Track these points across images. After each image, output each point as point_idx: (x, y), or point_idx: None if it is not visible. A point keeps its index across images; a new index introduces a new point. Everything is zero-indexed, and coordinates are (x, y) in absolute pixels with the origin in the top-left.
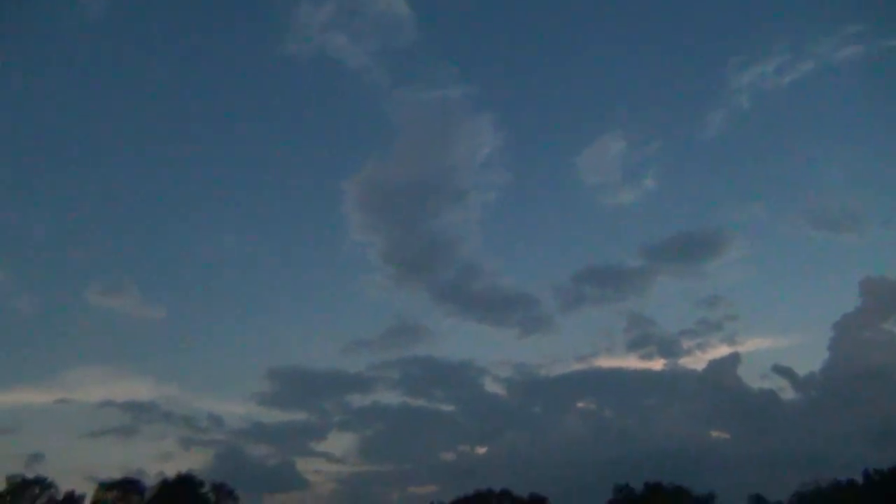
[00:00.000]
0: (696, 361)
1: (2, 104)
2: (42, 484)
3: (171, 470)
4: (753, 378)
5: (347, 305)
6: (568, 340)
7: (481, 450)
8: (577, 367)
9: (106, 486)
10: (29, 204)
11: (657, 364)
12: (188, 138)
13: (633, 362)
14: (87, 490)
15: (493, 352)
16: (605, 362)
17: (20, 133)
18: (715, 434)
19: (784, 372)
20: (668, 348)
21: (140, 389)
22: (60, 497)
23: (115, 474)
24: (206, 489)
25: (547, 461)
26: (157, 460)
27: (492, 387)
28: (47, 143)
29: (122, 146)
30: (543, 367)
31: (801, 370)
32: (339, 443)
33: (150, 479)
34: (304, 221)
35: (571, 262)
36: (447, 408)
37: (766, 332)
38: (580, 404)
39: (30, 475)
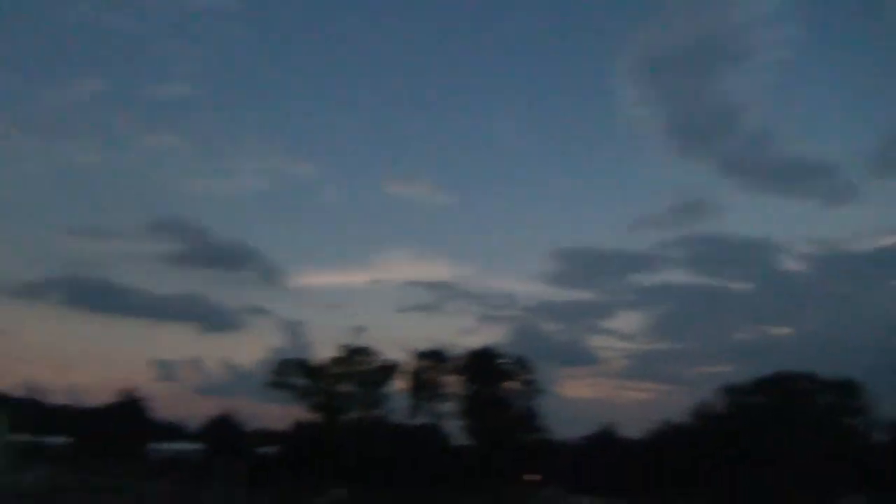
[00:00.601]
0: None
1: (283, 12)
2: (366, 352)
3: (471, 343)
4: None
5: (628, 183)
6: (879, 212)
7: (778, 330)
8: (892, 241)
9: (421, 355)
10: (332, 102)
11: None
12: (463, 26)
13: None
14: (399, 359)
15: (791, 226)
16: None
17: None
18: None
19: None
20: None
21: (439, 270)
22: (379, 364)
23: (424, 346)
24: (505, 360)
25: (857, 345)
26: (458, 334)
27: (790, 264)
28: (341, 49)
29: (408, 45)
30: (850, 242)
31: None
32: (628, 321)
33: (454, 351)
34: (574, 98)
35: (882, 123)
36: (740, 286)
37: None
38: None
39: (356, 344)
